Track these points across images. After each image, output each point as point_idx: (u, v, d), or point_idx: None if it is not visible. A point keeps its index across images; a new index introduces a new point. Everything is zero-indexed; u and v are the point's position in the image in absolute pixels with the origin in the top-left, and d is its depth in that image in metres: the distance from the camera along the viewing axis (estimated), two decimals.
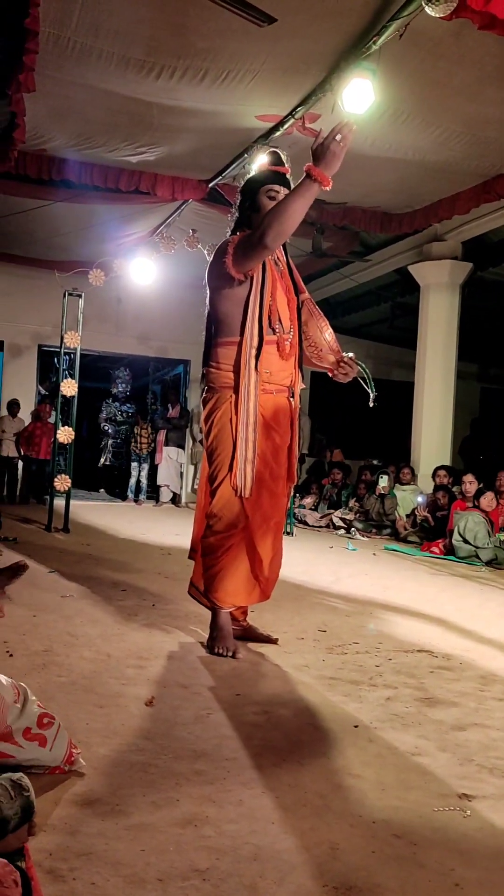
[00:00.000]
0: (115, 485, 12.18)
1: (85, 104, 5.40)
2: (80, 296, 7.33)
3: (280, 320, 3.11)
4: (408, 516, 8.33)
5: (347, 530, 8.49)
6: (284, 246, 3.27)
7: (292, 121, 5.44)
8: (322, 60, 4.70)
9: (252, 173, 3.52)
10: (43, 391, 11.26)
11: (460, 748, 2.25)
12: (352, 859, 1.59)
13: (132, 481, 11.02)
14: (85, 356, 8.24)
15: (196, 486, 9.97)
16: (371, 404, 3.35)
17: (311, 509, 9.52)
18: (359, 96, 4.64)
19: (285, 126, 5.55)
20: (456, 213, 7.08)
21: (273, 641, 3.35)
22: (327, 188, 2.78)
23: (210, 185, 6.95)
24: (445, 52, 4.50)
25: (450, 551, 6.91)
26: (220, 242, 3.17)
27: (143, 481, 11.04)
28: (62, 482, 7.18)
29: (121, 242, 8.60)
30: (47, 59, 4.55)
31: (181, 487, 11.26)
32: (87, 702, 2.43)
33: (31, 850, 1.47)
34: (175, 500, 11.17)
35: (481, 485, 7.22)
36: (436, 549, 7.08)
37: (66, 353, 7.58)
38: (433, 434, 9.19)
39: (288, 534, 7.70)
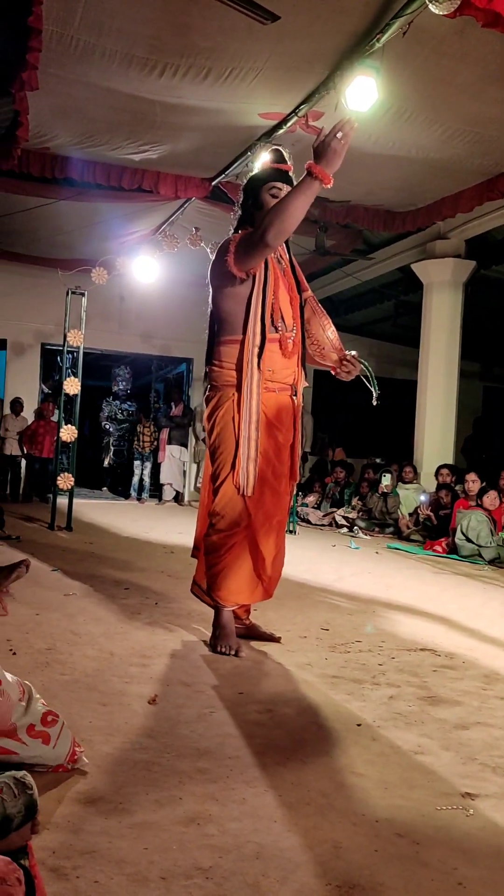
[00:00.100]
0: (117, 483, 12.19)
1: (88, 102, 5.40)
2: (83, 294, 7.33)
3: (283, 318, 3.11)
4: (410, 515, 8.33)
5: (350, 529, 8.49)
6: (287, 244, 3.26)
7: (295, 118, 5.44)
8: (325, 58, 4.69)
9: (255, 171, 3.51)
10: (46, 389, 11.27)
11: (463, 747, 2.25)
12: (355, 858, 1.59)
13: (135, 479, 11.02)
14: (88, 354, 8.24)
15: (199, 485, 10.00)
16: (374, 402, 3.35)
17: (313, 508, 9.52)
18: (362, 94, 4.64)
19: (288, 124, 5.55)
20: (459, 212, 7.08)
21: (276, 640, 3.34)
22: (328, 186, 2.78)
23: (213, 183, 6.94)
24: (449, 49, 4.49)
25: (452, 550, 6.91)
26: (223, 241, 3.17)
27: (146, 479, 11.05)
28: (65, 480, 7.18)
29: (124, 240, 8.61)
30: (50, 57, 4.55)
31: (184, 486, 11.27)
32: (90, 700, 2.44)
33: (35, 849, 1.47)
34: (178, 498, 11.17)
35: (484, 483, 7.21)
36: (438, 548, 7.07)
37: (69, 352, 7.59)
38: (436, 432, 9.18)
39: (291, 532, 7.70)
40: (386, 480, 8.68)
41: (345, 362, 3.29)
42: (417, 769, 2.08)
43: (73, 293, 7.30)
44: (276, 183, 3.13)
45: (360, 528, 8.42)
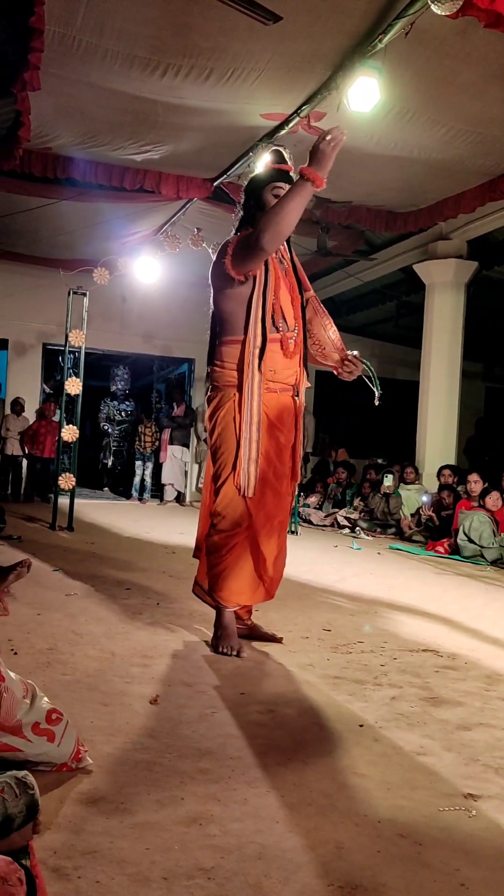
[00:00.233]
0: (119, 483, 12.19)
1: (90, 102, 5.40)
2: (84, 294, 7.33)
3: (284, 318, 3.11)
4: (412, 515, 8.32)
5: (352, 529, 8.48)
6: (289, 243, 3.27)
7: (297, 119, 5.43)
8: (327, 59, 4.69)
9: (256, 172, 3.52)
10: (47, 390, 11.27)
11: (466, 748, 2.24)
12: (357, 858, 1.59)
13: (136, 480, 11.02)
14: (89, 355, 8.24)
15: (200, 485, 9.99)
16: (376, 402, 3.35)
17: (315, 508, 9.51)
18: (364, 95, 4.64)
19: (290, 124, 5.54)
20: (461, 212, 7.07)
21: (278, 640, 3.34)
22: (321, 188, 2.87)
23: (215, 183, 6.94)
24: (451, 50, 4.49)
25: (455, 551, 6.90)
26: (224, 242, 3.18)
27: (148, 480, 11.05)
28: (66, 480, 7.18)
29: (125, 241, 8.61)
30: (52, 57, 4.55)
31: (185, 486, 11.27)
32: (92, 700, 2.43)
33: (36, 849, 1.47)
34: (179, 498, 11.17)
35: (486, 484, 7.20)
36: (440, 549, 7.07)
37: (70, 352, 7.59)
38: (438, 433, 9.17)
39: (292, 533, 7.70)
40: (388, 481, 8.68)
41: (346, 362, 3.29)
42: (420, 770, 2.07)
43: (75, 293, 7.31)
44: (279, 183, 3.14)
45: (362, 529, 8.41)
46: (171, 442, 11.01)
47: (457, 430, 9.26)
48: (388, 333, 12.45)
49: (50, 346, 10.99)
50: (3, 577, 3.81)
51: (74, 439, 7.24)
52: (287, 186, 3.11)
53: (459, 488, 7.81)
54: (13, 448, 10.01)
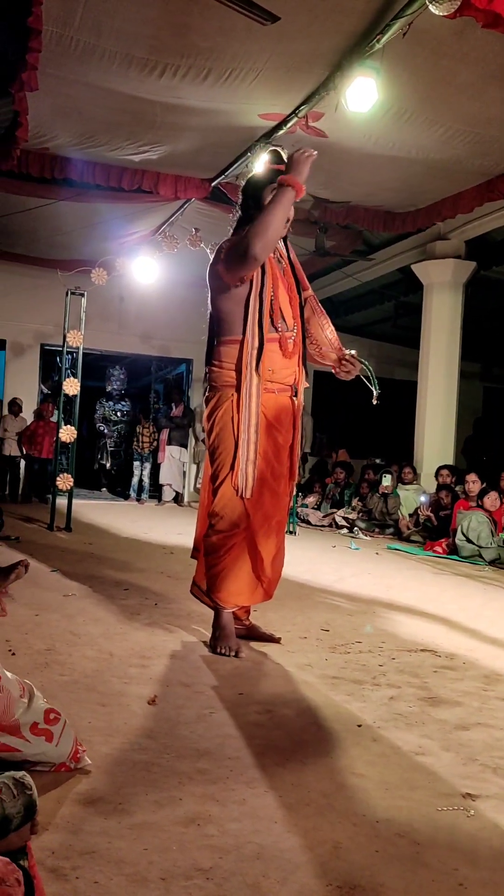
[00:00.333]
0: (117, 484, 12.18)
1: (88, 103, 5.40)
2: (82, 295, 7.33)
3: (283, 318, 3.11)
4: (411, 516, 8.33)
5: (350, 529, 8.48)
6: (287, 243, 3.27)
7: (295, 119, 5.44)
8: (325, 59, 4.69)
9: (254, 173, 3.52)
10: (45, 390, 11.27)
11: (464, 748, 2.24)
12: (355, 859, 1.59)
13: (134, 480, 11.01)
14: (87, 355, 8.23)
15: (199, 486, 9.99)
16: (374, 402, 3.35)
17: (313, 508, 9.51)
18: (362, 95, 4.65)
19: (288, 125, 5.55)
20: (459, 212, 7.07)
21: (276, 641, 3.34)
22: (301, 194, 3.01)
23: (213, 183, 6.94)
24: (449, 50, 4.49)
25: (453, 551, 6.90)
26: (220, 243, 3.19)
27: (146, 480, 11.04)
28: (64, 481, 7.18)
29: (123, 241, 8.60)
30: (50, 57, 4.54)
31: (184, 486, 11.26)
32: (90, 700, 2.43)
33: (34, 849, 1.46)
34: (178, 499, 11.17)
35: (484, 484, 7.21)
36: (439, 549, 7.07)
37: (68, 352, 7.58)
38: (436, 433, 9.18)
39: (291, 533, 7.70)
40: (386, 481, 8.68)
41: (344, 361, 3.29)
42: (418, 770, 2.07)
43: (73, 294, 7.30)
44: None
45: (361, 529, 8.41)
46: (170, 442, 11.00)
47: (455, 430, 9.26)
48: (387, 333, 12.46)
49: (48, 347, 10.98)
50: (1, 578, 3.81)
51: (72, 440, 7.23)
52: None
53: (457, 488, 7.82)
54: (11, 449, 10.01)
